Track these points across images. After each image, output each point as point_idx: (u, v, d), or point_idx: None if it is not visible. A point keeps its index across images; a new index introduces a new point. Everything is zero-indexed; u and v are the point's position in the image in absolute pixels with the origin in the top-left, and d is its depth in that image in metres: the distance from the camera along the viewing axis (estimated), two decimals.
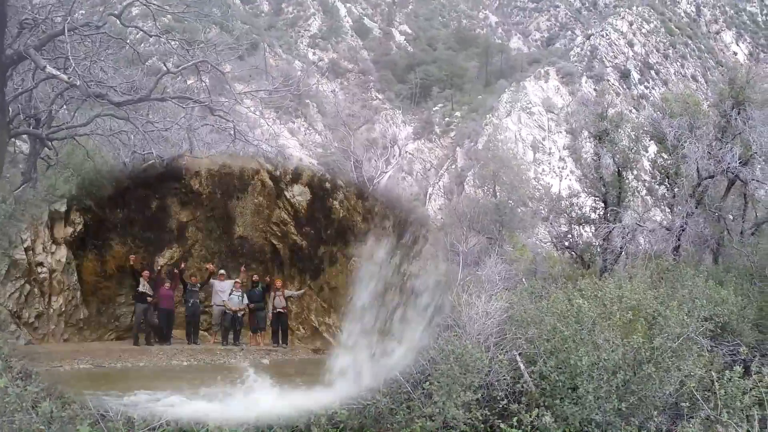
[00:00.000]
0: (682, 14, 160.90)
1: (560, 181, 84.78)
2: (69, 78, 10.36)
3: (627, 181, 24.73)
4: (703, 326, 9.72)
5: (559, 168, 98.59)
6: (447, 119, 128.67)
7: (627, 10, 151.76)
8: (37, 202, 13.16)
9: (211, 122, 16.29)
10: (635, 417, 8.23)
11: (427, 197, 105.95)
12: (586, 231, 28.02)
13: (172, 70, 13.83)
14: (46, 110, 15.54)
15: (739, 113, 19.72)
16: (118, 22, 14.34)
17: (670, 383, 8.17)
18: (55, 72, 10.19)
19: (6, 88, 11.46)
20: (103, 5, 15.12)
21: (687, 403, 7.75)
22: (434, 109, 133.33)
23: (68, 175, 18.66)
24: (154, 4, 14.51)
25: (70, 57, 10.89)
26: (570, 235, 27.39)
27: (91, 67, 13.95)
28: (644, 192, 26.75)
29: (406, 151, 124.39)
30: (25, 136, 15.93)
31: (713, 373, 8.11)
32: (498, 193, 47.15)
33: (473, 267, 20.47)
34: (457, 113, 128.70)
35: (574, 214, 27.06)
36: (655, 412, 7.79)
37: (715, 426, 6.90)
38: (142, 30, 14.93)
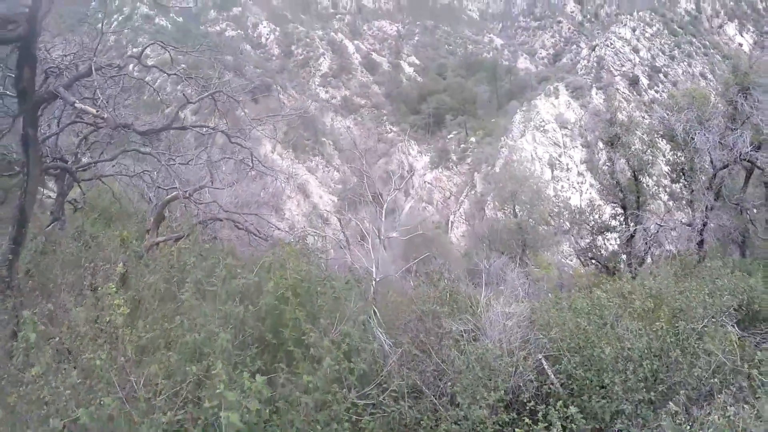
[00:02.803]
0: (683, 13, 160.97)
1: (580, 195, 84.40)
2: (98, 111, 10.85)
3: (644, 185, 24.60)
4: (727, 310, 9.51)
5: (578, 183, 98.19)
6: (462, 146, 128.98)
7: (628, 16, 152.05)
8: (66, 240, 13.48)
9: (230, 154, 16.69)
10: (665, 405, 8.07)
11: (449, 225, 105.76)
12: (608, 241, 27.84)
13: (192, 99, 14.32)
14: (73, 152, 16.11)
15: (746, 99, 19.57)
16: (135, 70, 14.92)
17: (699, 367, 8.00)
18: (83, 107, 10.65)
19: (38, 125, 11.98)
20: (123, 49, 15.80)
21: (717, 380, 7.54)
22: (449, 137, 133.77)
23: (95, 217, 19.22)
24: (172, 47, 15.10)
25: (97, 91, 11.42)
26: (593, 246, 27.22)
27: (116, 107, 14.67)
28: (665, 196, 26.60)
29: (425, 181, 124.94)
30: (52, 181, 16.45)
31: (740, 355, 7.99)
32: (518, 213, 46.97)
33: (497, 286, 20.36)
34: (472, 139, 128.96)
35: (594, 224, 26.92)
36: (684, 397, 7.63)
37: (744, 400, 6.72)
38: (160, 69, 15.36)
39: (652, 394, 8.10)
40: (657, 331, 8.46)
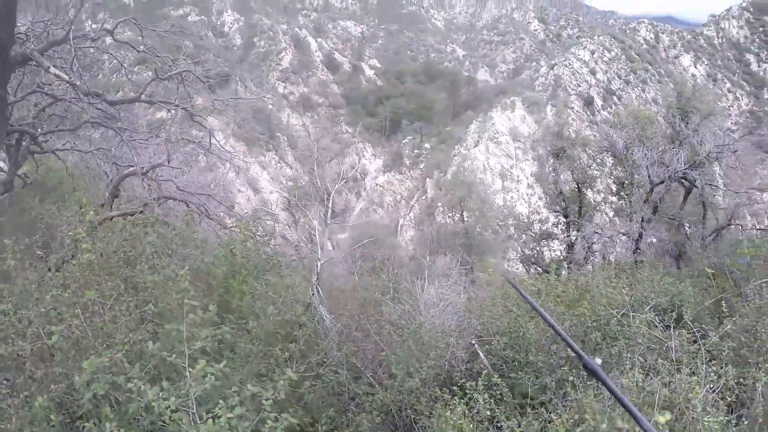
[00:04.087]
0: (642, 41, 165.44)
1: (529, 207, 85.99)
2: (70, 77, 11.09)
3: (588, 198, 25.64)
4: (650, 303, 10.23)
5: (527, 195, 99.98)
6: (416, 151, 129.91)
7: (589, 39, 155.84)
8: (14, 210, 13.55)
9: (190, 136, 16.98)
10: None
11: (399, 228, 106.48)
12: (552, 249, 28.84)
13: (161, 76, 14.61)
14: (29, 124, 16.11)
15: (687, 124, 20.72)
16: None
17: (617, 347, 8.67)
18: (57, 72, 10.87)
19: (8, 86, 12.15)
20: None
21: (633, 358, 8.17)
22: (403, 141, 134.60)
23: (44, 195, 19.05)
24: (144, 26, 15.35)
25: (74, 59, 11.69)
26: (536, 251, 28.18)
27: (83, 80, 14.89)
28: (611, 212, 27.64)
29: (377, 184, 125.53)
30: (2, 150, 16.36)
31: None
32: (466, 219, 47.92)
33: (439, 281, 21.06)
34: (426, 145, 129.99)
35: (537, 231, 27.88)
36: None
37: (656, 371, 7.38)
38: (133, 46, 15.59)
39: (574, 371, 8.80)
40: (580, 315, 9.20)
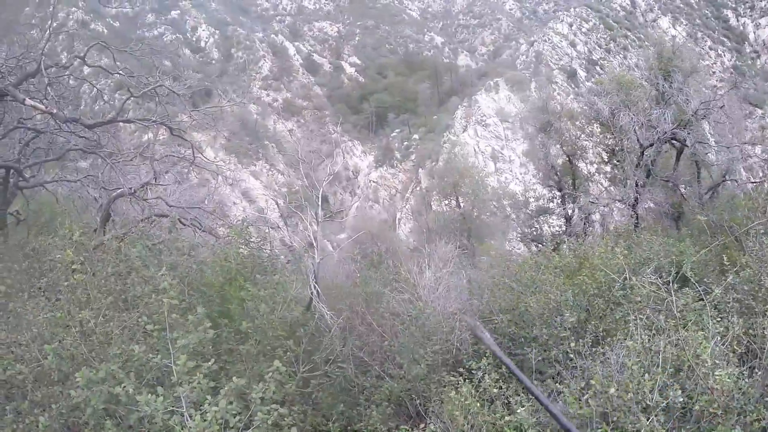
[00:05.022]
0: (619, 8, 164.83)
1: (523, 186, 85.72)
2: (47, 107, 11.04)
3: (579, 169, 25.55)
4: (650, 266, 10.08)
5: (521, 174, 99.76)
6: (406, 143, 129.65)
7: (565, 12, 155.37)
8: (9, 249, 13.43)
9: (173, 152, 16.86)
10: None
11: (397, 222, 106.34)
12: (549, 224, 28.74)
13: (135, 94, 14.51)
14: (15, 160, 16.01)
15: (671, 84, 20.55)
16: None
17: (620, 311, 8.55)
18: (33, 103, 10.81)
19: None
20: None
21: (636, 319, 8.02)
22: (392, 135, 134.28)
23: (38, 230, 18.89)
24: (115, 48, 15.24)
25: (48, 88, 11.61)
26: (534, 228, 28.10)
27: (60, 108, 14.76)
28: (606, 182, 27.55)
29: (371, 180, 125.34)
30: None
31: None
32: (462, 204, 47.67)
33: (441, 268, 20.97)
34: (415, 136, 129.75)
35: (533, 208, 27.81)
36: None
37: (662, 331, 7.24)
38: (106, 69, 15.47)
39: (581, 342, 8.68)
40: (580, 284, 9.08)
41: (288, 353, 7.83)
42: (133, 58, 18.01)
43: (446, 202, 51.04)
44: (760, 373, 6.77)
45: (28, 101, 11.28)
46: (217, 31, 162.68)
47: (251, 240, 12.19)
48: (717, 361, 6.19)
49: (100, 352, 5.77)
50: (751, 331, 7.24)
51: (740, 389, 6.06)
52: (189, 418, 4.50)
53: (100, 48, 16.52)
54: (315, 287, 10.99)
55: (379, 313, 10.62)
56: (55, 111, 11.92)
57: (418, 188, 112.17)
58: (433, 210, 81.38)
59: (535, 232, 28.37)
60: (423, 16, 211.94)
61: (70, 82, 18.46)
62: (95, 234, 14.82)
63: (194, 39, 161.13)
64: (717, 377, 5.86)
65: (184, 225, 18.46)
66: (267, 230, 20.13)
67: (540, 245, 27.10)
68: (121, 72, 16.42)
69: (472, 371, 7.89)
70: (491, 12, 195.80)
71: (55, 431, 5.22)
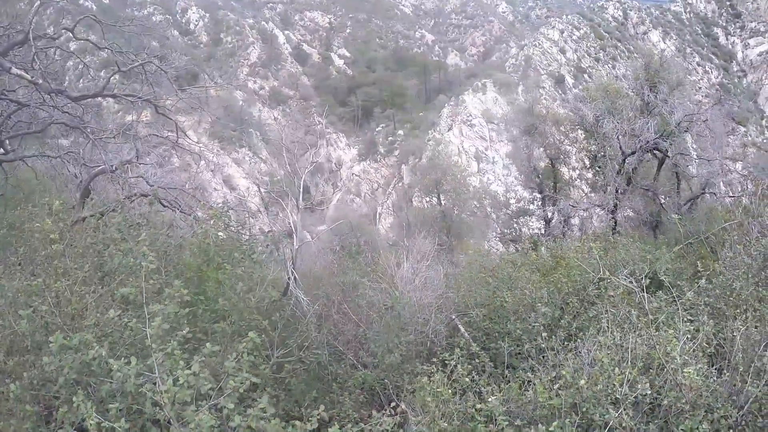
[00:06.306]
0: (610, 19, 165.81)
1: (505, 187, 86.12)
2: (32, 77, 10.96)
3: (561, 173, 25.77)
4: (626, 269, 10.23)
5: (503, 175, 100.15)
6: (390, 138, 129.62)
7: (558, 19, 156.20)
8: None
9: (156, 131, 16.77)
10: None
11: (377, 217, 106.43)
12: (529, 226, 28.95)
13: (123, 68, 14.40)
14: None
15: (656, 95, 20.80)
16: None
17: (595, 311, 8.67)
18: (19, 72, 10.72)
19: None
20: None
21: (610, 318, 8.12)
22: (377, 129, 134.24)
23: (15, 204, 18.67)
24: (104, 22, 15.08)
25: (35, 57, 11.51)
26: (513, 229, 28.29)
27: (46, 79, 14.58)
28: (586, 188, 27.79)
29: (353, 173, 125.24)
30: None
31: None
32: (443, 202, 47.83)
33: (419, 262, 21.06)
34: (400, 132, 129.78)
35: (513, 209, 28.01)
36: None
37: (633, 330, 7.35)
38: (94, 44, 15.31)
39: (553, 338, 8.80)
40: (555, 282, 9.21)
41: (263, 335, 7.85)
42: (122, 37, 17.82)
43: (428, 198, 51.26)
44: (728, 373, 6.92)
45: (15, 70, 11.20)
46: (207, 15, 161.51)
47: (230, 224, 12.17)
48: (687, 358, 6.33)
49: (75, 324, 5.77)
50: (721, 334, 7.41)
51: (708, 387, 6.21)
52: (161, 383, 4.51)
53: (89, 24, 16.35)
54: (293, 272, 11.03)
55: (355, 302, 10.67)
56: (40, 82, 11.85)
57: (400, 184, 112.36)
58: (414, 206, 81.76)
59: (514, 233, 28.57)
60: (415, 12, 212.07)
61: (56, 57, 18.27)
62: (74, 210, 14.72)
63: (184, 21, 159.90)
64: (686, 373, 6.00)
65: (164, 206, 18.37)
66: (246, 216, 20.06)
67: (518, 246, 27.32)
68: (109, 47, 16.28)
69: (446, 362, 7.96)
70: (484, 13, 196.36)
71: (27, 402, 5.20)
